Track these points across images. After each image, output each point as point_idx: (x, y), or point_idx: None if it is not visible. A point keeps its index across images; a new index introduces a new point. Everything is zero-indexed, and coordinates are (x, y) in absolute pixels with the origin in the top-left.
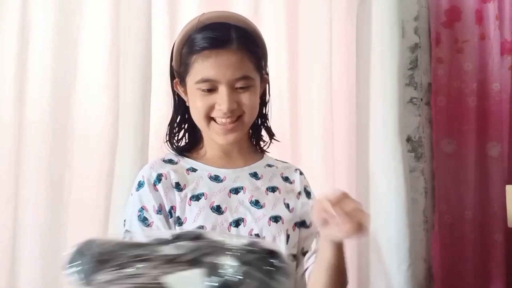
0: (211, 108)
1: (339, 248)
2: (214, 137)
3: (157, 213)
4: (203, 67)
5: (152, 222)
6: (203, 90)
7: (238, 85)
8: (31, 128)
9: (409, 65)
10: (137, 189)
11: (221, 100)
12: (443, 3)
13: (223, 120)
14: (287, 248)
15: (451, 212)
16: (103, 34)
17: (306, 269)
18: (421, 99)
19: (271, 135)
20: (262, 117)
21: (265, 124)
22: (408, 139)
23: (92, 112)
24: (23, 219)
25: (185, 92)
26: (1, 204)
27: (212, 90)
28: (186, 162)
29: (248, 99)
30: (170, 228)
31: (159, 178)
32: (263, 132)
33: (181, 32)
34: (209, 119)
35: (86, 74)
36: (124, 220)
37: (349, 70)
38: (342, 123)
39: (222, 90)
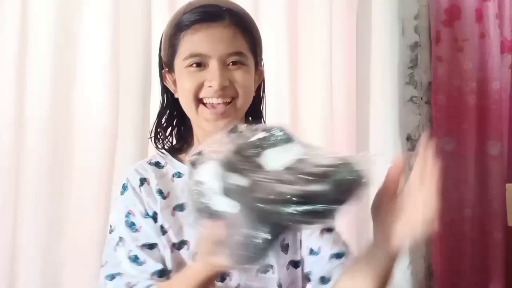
0: (200, 86)
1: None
2: (203, 124)
3: (145, 217)
4: (192, 41)
5: (140, 226)
6: (191, 66)
7: (231, 60)
8: (31, 128)
9: (409, 63)
10: (122, 193)
11: (212, 75)
12: (443, 2)
13: (214, 101)
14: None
15: (451, 211)
16: (103, 34)
17: None
18: (421, 98)
19: None
20: (258, 115)
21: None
22: (408, 138)
23: (92, 112)
24: (23, 218)
25: (175, 83)
26: (1, 203)
27: (201, 66)
28: (173, 166)
29: (241, 77)
30: (158, 233)
31: (142, 182)
32: None
33: (169, 19)
34: (198, 101)
35: (86, 74)
36: (110, 226)
37: (349, 70)
38: (342, 122)
39: (213, 65)
